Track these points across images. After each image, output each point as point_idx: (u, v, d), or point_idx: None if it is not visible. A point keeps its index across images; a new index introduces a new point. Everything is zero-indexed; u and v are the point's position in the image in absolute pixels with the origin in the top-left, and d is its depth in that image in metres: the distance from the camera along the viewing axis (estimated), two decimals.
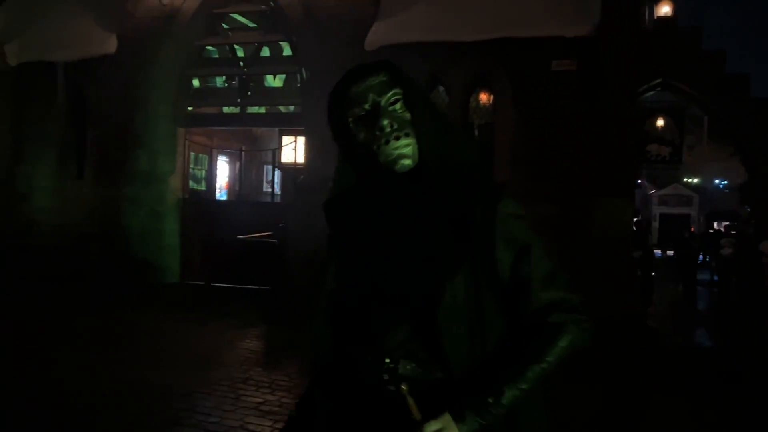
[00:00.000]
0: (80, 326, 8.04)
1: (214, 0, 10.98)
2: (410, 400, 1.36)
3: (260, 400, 5.41)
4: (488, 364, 1.39)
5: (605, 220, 8.60)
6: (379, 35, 9.57)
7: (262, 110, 12.39)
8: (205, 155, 13.86)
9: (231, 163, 15.73)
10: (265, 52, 11.78)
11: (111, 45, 10.80)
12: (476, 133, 9.75)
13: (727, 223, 29.66)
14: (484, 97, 9.59)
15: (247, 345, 7.61)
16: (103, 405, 5.13)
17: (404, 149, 1.45)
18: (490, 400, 1.35)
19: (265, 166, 16.76)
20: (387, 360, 1.40)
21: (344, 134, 1.52)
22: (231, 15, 11.53)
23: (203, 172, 14.07)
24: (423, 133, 1.46)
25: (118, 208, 11.21)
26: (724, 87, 12.58)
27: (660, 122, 14.31)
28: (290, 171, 11.51)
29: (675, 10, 10.62)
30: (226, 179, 15.81)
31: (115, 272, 10.66)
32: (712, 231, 26.34)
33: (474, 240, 1.42)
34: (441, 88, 9.76)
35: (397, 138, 1.45)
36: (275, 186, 15.01)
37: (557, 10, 8.80)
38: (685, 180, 36.44)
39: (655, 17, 10.48)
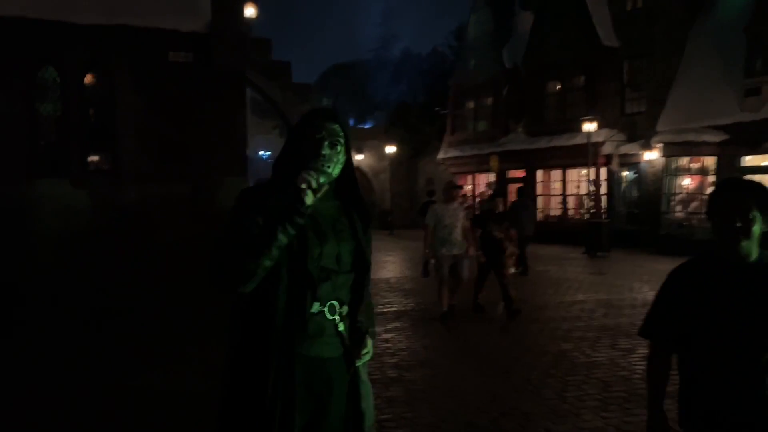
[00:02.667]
0: None
1: None
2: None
3: None
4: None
5: (228, 197, 9.85)
6: None
7: None
8: None
9: None
10: None
11: None
12: (93, 116, 9.72)
13: None
14: (102, 81, 9.59)
15: None
16: None
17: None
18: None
19: None
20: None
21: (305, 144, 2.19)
22: None
23: None
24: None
25: None
26: (271, 72, 15.15)
27: None
28: None
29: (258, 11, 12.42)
30: None
31: None
32: None
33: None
34: (51, 69, 9.32)
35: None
36: None
37: (172, 4, 9.50)
38: None
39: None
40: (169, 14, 9.42)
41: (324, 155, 2.16)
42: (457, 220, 8.19)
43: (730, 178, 2.33)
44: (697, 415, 2.16)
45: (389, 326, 8.03)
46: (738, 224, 2.06)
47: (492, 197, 9.49)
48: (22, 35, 8.77)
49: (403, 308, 9.34)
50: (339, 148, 2.22)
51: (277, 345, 2.07)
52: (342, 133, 2.23)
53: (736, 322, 2.06)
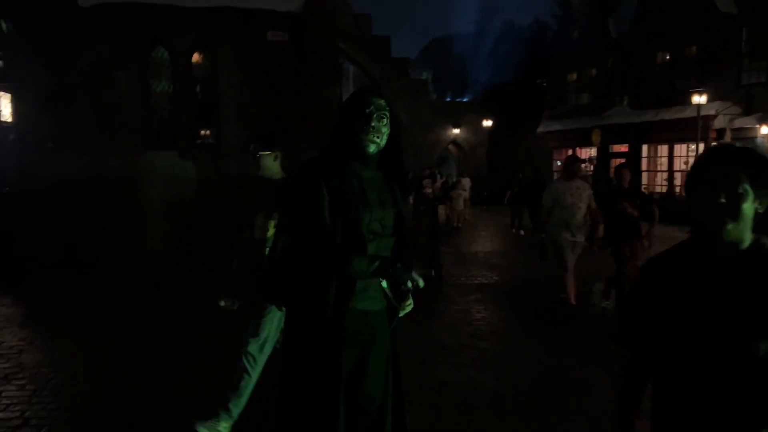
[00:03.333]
0: None
1: None
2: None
3: None
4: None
5: None
6: None
7: None
8: None
9: None
10: None
11: None
12: (200, 94, 10.48)
13: None
14: (207, 61, 10.30)
15: None
16: None
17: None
18: None
19: None
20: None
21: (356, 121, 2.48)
22: None
23: None
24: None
25: None
26: (370, 47, 15.28)
27: None
28: None
29: None
30: None
31: None
32: None
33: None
34: (162, 49, 10.13)
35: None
36: None
37: None
38: None
39: None
40: None
41: (373, 127, 2.45)
42: (581, 200, 7.09)
43: (717, 144, 1.97)
44: (680, 424, 1.72)
45: (470, 297, 8.22)
46: (722, 200, 1.59)
47: (618, 168, 7.60)
48: (137, 19, 9.59)
49: (485, 281, 9.48)
50: (385, 120, 2.51)
51: (330, 300, 2.38)
52: (387, 108, 2.53)
53: (724, 320, 1.61)
